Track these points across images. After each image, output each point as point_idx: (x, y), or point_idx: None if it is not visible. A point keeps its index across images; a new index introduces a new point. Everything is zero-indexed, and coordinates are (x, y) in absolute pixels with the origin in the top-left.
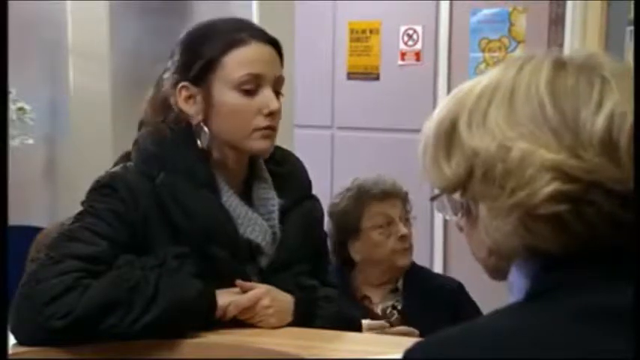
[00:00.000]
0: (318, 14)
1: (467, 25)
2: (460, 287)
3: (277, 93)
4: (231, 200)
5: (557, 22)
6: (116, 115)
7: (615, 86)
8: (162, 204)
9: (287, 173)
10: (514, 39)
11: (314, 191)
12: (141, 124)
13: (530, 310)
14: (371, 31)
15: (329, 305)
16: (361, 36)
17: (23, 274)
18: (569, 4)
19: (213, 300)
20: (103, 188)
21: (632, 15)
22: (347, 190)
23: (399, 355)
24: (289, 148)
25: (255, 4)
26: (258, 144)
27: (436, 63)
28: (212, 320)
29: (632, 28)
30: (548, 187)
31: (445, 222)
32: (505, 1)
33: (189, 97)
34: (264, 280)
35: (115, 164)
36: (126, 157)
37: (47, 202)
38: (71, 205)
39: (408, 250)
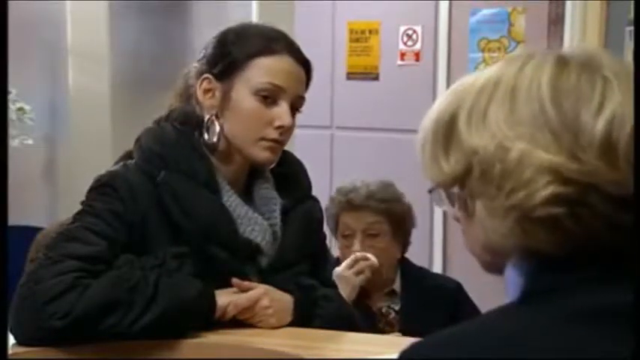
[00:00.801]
0: (318, 14)
1: (466, 25)
2: (458, 287)
3: (295, 110)
4: (231, 200)
5: (556, 22)
6: (116, 115)
7: (617, 88)
8: (162, 203)
9: (287, 173)
10: (513, 39)
11: (313, 191)
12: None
13: (525, 312)
14: (370, 32)
15: (328, 305)
16: (361, 36)
17: (23, 274)
18: (568, 4)
19: (212, 300)
20: (102, 187)
21: (631, 15)
22: (335, 191)
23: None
24: (289, 148)
25: (254, 5)
26: (261, 154)
27: (435, 63)
28: (211, 320)
29: (631, 28)
30: (546, 189)
31: (445, 221)
32: (504, 1)
33: (209, 90)
34: (263, 280)
35: (116, 164)
36: (127, 156)
37: (47, 202)
38: (71, 205)
39: (361, 271)
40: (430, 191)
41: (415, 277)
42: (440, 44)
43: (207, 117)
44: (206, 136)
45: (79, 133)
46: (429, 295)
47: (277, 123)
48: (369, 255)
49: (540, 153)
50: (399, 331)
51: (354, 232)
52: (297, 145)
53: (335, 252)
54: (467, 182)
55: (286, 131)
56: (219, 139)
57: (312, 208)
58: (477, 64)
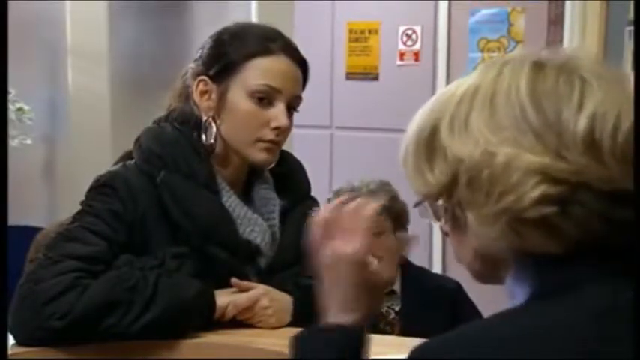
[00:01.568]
0: (317, 14)
1: (466, 25)
2: (458, 287)
3: (292, 109)
4: (231, 201)
5: (556, 22)
6: (115, 115)
7: (596, 87)
8: (162, 203)
9: (287, 174)
10: (513, 39)
11: (313, 191)
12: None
13: (534, 312)
14: (370, 32)
15: None
16: (360, 36)
17: (22, 274)
18: (568, 4)
19: (212, 300)
20: (102, 187)
21: (631, 15)
22: (331, 194)
23: (399, 355)
24: (288, 148)
25: (254, 4)
26: (258, 155)
27: (435, 63)
28: (211, 320)
29: (631, 28)
30: (535, 191)
31: None
32: (504, 1)
33: (205, 91)
34: (263, 280)
35: (116, 164)
36: (126, 156)
37: (46, 203)
38: (70, 205)
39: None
40: (415, 206)
41: (415, 277)
42: (439, 44)
43: (204, 119)
44: (204, 137)
45: (78, 133)
46: (429, 296)
47: (274, 124)
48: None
49: (526, 156)
50: (399, 331)
51: None
52: (296, 145)
53: None
54: (454, 192)
55: (283, 132)
56: (216, 141)
57: (311, 208)
58: (477, 64)
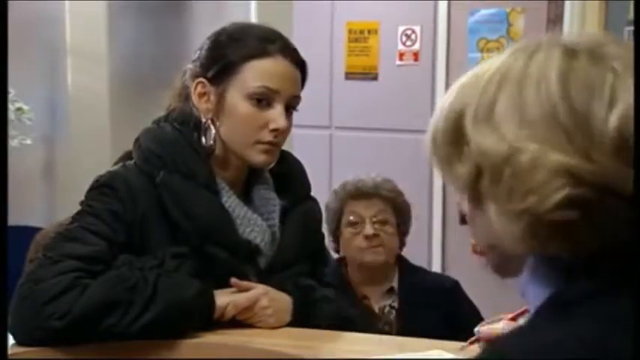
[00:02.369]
0: (317, 14)
1: (465, 25)
2: (456, 285)
3: (291, 109)
4: (230, 201)
5: (555, 22)
6: (114, 115)
7: (626, 80)
8: (162, 203)
9: (287, 174)
10: (512, 39)
11: (312, 190)
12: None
13: (567, 322)
14: (369, 32)
15: (327, 305)
16: (359, 36)
17: (22, 274)
18: (567, 5)
19: (211, 300)
20: (101, 187)
21: (630, 15)
22: (337, 186)
23: (400, 355)
24: (287, 148)
25: (253, 4)
26: (257, 157)
27: (434, 63)
28: (211, 320)
29: (630, 28)
30: (560, 192)
31: (444, 222)
32: (503, 1)
33: (204, 93)
34: (262, 280)
35: (115, 164)
36: (126, 156)
37: (45, 203)
38: (70, 205)
39: (377, 247)
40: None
41: (413, 276)
42: (439, 44)
43: (203, 120)
44: (203, 139)
45: (78, 132)
46: (427, 295)
47: (272, 126)
48: None
49: (554, 154)
50: (397, 330)
51: (363, 219)
52: (295, 145)
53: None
54: (477, 184)
55: (281, 133)
56: (215, 143)
57: (311, 208)
58: (476, 64)
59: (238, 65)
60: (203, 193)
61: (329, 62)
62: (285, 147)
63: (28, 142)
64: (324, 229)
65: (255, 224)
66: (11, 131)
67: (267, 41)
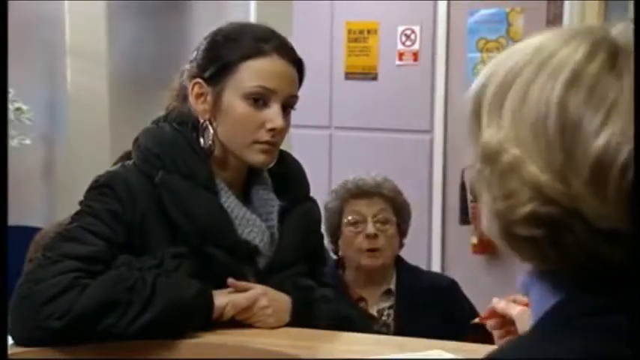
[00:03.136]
0: (316, 14)
1: (465, 25)
2: (453, 284)
3: (289, 108)
4: (230, 201)
5: (554, 22)
6: (114, 115)
7: (628, 103)
8: (161, 203)
9: (286, 174)
10: (512, 39)
11: (312, 191)
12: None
13: (570, 336)
14: (369, 32)
15: (326, 305)
16: (359, 36)
17: (22, 274)
18: (566, 4)
19: (210, 300)
20: (100, 188)
21: (629, 15)
22: (336, 186)
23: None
24: (287, 149)
25: (252, 4)
26: (256, 157)
27: (434, 63)
28: (210, 321)
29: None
30: (526, 206)
31: (443, 222)
32: (503, 1)
33: (201, 94)
34: (261, 280)
35: (115, 164)
36: (126, 156)
37: (45, 203)
38: (69, 205)
39: (375, 251)
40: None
41: (410, 275)
42: (438, 44)
43: (201, 121)
44: (202, 140)
45: (77, 132)
46: (425, 294)
47: (269, 125)
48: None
49: (530, 165)
50: (396, 331)
51: (364, 218)
52: (295, 145)
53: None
54: (480, 167)
55: (279, 133)
56: (214, 143)
57: (311, 209)
58: (476, 64)
59: (234, 65)
60: (202, 193)
61: (328, 62)
62: (284, 147)
63: (28, 142)
64: (323, 229)
65: (254, 225)
66: (10, 131)
67: (262, 40)
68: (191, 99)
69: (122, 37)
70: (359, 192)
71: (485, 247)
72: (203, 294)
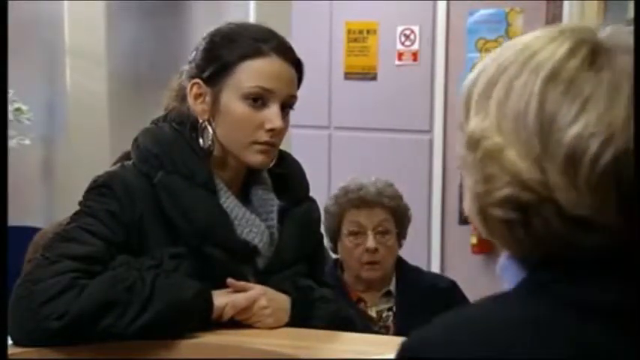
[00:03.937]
0: (315, 14)
1: (464, 25)
2: (453, 286)
3: (288, 108)
4: (229, 202)
5: (554, 22)
6: (113, 115)
7: (605, 96)
8: (160, 203)
9: (285, 174)
10: (511, 39)
11: (311, 191)
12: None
13: (526, 302)
14: (368, 32)
15: (326, 305)
16: (358, 36)
17: (21, 274)
18: (566, 4)
19: (209, 300)
20: (99, 188)
21: (629, 15)
22: (337, 190)
23: None
24: (286, 149)
25: (252, 4)
26: (255, 158)
27: (433, 63)
28: (209, 321)
29: (629, 28)
30: (502, 190)
31: (442, 222)
32: (502, 1)
33: (199, 94)
34: (261, 281)
35: (115, 164)
36: (125, 156)
37: (44, 203)
38: (68, 205)
39: (375, 264)
40: None
41: (410, 276)
42: (438, 44)
43: (200, 121)
44: (201, 141)
45: (76, 133)
46: (424, 295)
47: (268, 126)
48: None
49: (510, 152)
50: (395, 332)
51: (364, 230)
52: (294, 145)
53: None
54: (466, 153)
55: (278, 133)
56: (213, 144)
57: (310, 209)
58: (475, 64)
59: (233, 66)
60: (201, 193)
61: (328, 62)
62: (283, 147)
63: (27, 142)
64: (323, 231)
65: (254, 225)
66: (10, 131)
67: (261, 41)
68: (190, 99)
69: (122, 38)
70: (360, 202)
71: (484, 247)
72: (202, 294)
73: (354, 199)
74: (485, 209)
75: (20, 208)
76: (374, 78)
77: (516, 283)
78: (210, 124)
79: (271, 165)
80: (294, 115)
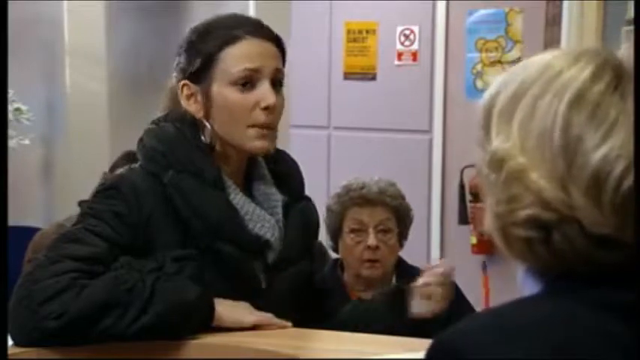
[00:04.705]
0: (315, 14)
1: (463, 25)
2: (453, 286)
3: (278, 85)
4: (238, 197)
5: (553, 22)
6: (113, 115)
7: (624, 126)
8: (169, 203)
9: (283, 172)
10: (511, 39)
11: (310, 191)
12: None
13: (551, 303)
14: (368, 32)
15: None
16: (358, 36)
17: (20, 274)
18: (565, 4)
19: (211, 305)
20: (107, 190)
21: (628, 15)
22: (340, 188)
23: (396, 355)
24: (285, 149)
25: (251, 4)
26: (255, 144)
27: (433, 63)
28: (209, 325)
29: (628, 28)
30: (526, 210)
31: (442, 222)
32: (502, 1)
33: (191, 95)
34: (270, 276)
35: (114, 164)
36: (126, 157)
37: (43, 203)
38: (68, 205)
39: (376, 262)
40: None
41: (410, 276)
42: (437, 44)
43: (197, 118)
44: (203, 138)
45: (76, 133)
46: None
47: (263, 104)
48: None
49: (533, 173)
50: None
51: (366, 228)
52: (294, 145)
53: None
54: (486, 172)
55: (273, 111)
56: (213, 139)
57: (307, 207)
58: (474, 64)
59: (214, 57)
60: (211, 190)
61: (327, 62)
62: (283, 147)
63: (27, 142)
64: (324, 229)
65: (265, 219)
66: (9, 131)
67: (234, 27)
68: (183, 101)
69: (121, 38)
70: (362, 200)
71: (484, 247)
72: (203, 298)
73: (356, 197)
74: (506, 228)
75: (20, 208)
76: (373, 78)
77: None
78: (207, 121)
79: (271, 165)
80: (293, 115)
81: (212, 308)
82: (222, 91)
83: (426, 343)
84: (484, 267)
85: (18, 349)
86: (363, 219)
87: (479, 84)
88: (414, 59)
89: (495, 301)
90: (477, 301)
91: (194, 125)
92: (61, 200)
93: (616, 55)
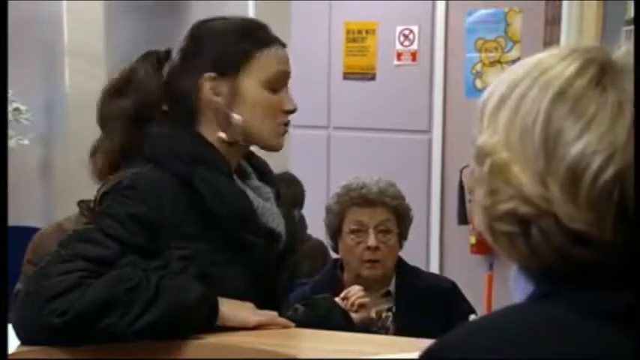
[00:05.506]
0: (314, 14)
1: (463, 25)
2: (453, 287)
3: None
4: (248, 191)
5: (553, 22)
6: None
7: (609, 115)
8: (193, 196)
9: (258, 167)
10: (510, 39)
11: (310, 191)
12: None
13: (540, 308)
14: (367, 32)
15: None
16: (357, 36)
17: (19, 274)
18: (565, 4)
19: (214, 304)
20: (124, 190)
21: (628, 15)
22: (340, 188)
23: (395, 355)
24: (285, 148)
25: (251, 4)
26: (278, 141)
27: (432, 63)
28: (212, 325)
29: (628, 27)
30: (506, 204)
31: (442, 222)
32: (501, 1)
33: (214, 88)
34: (280, 264)
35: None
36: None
37: (43, 203)
38: (67, 205)
39: (376, 262)
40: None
41: (410, 277)
42: (436, 44)
43: (228, 114)
44: (222, 135)
45: (75, 133)
46: (424, 295)
47: (289, 107)
48: (359, 290)
49: (515, 167)
50: (395, 332)
51: (366, 228)
52: (293, 145)
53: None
54: (476, 167)
55: (292, 113)
56: (238, 134)
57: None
58: (474, 64)
59: (254, 54)
60: (232, 183)
61: (327, 62)
62: (283, 146)
63: (26, 142)
64: (324, 229)
65: (273, 212)
66: (9, 131)
67: (267, 31)
68: (204, 94)
69: (120, 38)
70: (362, 201)
71: (483, 247)
72: (206, 297)
73: (356, 198)
74: (491, 223)
75: (19, 208)
76: (373, 78)
77: (526, 295)
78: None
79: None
80: (293, 115)
81: (216, 308)
82: (254, 90)
83: (426, 343)
84: (490, 266)
85: (18, 350)
86: (363, 219)
87: (478, 84)
88: (414, 59)
89: (496, 301)
90: (477, 301)
91: (193, 121)
92: (60, 200)
93: (609, 52)
